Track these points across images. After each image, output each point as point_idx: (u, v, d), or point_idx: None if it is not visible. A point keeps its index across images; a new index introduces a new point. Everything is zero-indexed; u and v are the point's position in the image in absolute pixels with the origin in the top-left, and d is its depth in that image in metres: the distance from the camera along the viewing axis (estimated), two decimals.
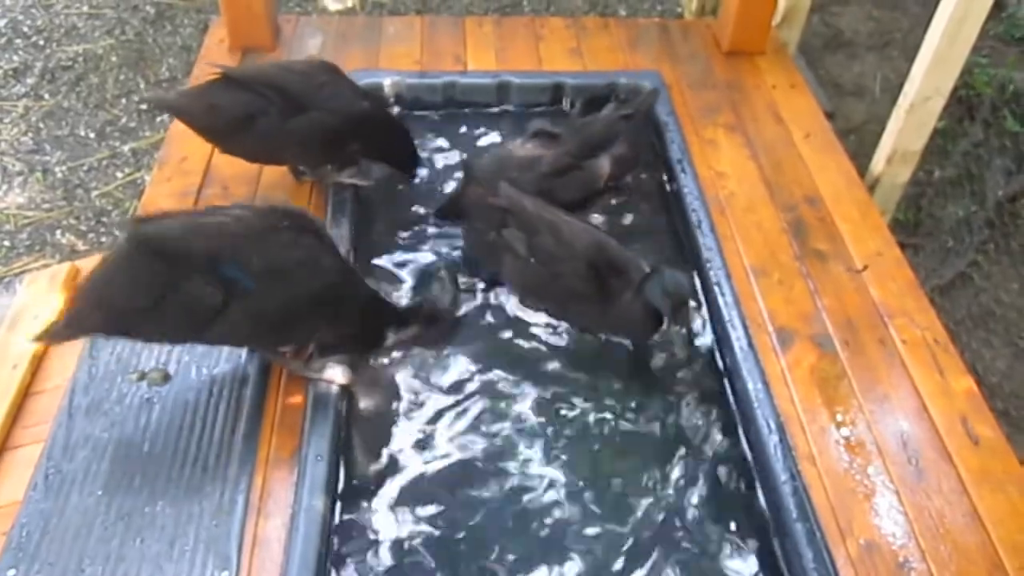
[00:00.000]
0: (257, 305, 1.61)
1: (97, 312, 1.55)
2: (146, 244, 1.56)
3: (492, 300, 2.05)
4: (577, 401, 1.85)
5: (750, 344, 1.88)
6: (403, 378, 1.88)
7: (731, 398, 1.87)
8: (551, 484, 1.71)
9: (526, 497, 1.69)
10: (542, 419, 1.82)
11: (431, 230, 2.22)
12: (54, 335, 1.56)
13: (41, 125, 3.51)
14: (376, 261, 2.12)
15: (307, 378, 1.78)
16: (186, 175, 2.28)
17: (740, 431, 1.81)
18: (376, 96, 2.21)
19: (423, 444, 1.76)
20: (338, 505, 1.65)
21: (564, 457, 1.75)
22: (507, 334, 1.98)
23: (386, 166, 2.29)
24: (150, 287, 1.55)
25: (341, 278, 1.74)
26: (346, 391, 1.80)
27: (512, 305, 2.04)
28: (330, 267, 1.71)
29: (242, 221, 1.63)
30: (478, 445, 1.77)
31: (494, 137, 2.50)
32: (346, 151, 2.19)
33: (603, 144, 2.24)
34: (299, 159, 2.22)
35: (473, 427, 1.80)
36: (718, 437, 1.81)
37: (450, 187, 2.33)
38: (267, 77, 2.05)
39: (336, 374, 1.78)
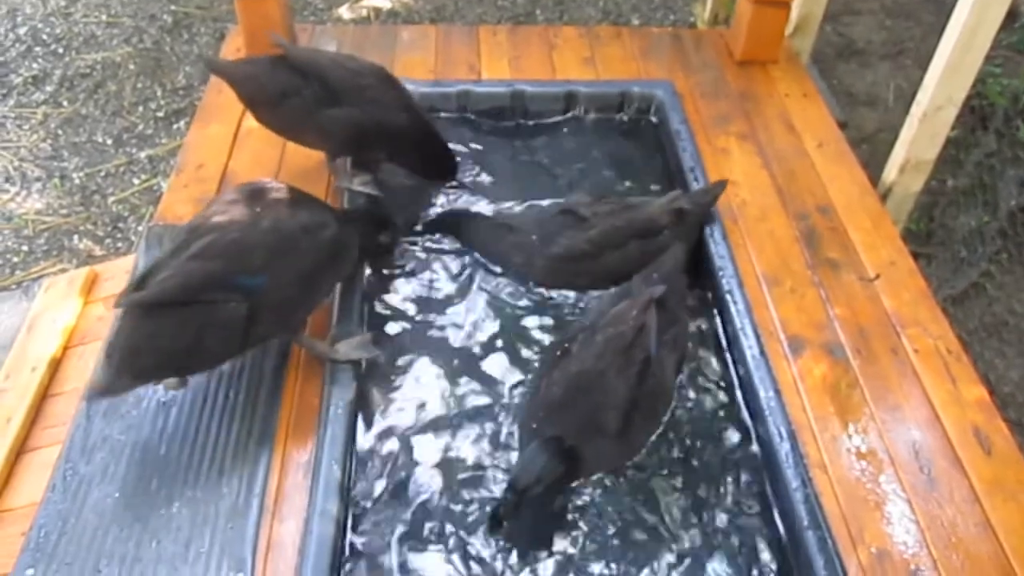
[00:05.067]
0: (279, 291, 1.68)
1: (149, 358, 1.59)
2: (151, 306, 1.59)
3: (512, 295, 2.07)
4: None
5: (762, 352, 1.89)
6: (419, 379, 1.89)
7: (743, 406, 1.87)
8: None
9: None
10: None
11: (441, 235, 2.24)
12: (109, 390, 1.59)
13: (60, 132, 3.56)
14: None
15: (330, 361, 1.81)
16: (202, 182, 2.30)
17: (752, 439, 1.81)
18: (418, 111, 2.20)
19: (439, 448, 1.77)
20: (351, 509, 1.66)
21: None
22: (529, 340, 1.99)
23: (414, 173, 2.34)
24: (184, 324, 1.59)
25: (339, 228, 1.81)
26: (361, 399, 1.81)
27: (531, 300, 2.06)
28: (326, 222, 1.78)
29: (225, 230, 1.66)
30: (497, 450, 1.77)
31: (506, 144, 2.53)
32: (369, 154, 2.25)
33: (632, 237, 2.04)
34: (321, 146, 2.25)
35: (492, 431, 1.80)
36: (730, 445, 1.81)
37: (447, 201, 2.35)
38: (316, 64, 2.11)
39: (353, 352, 1.83)
